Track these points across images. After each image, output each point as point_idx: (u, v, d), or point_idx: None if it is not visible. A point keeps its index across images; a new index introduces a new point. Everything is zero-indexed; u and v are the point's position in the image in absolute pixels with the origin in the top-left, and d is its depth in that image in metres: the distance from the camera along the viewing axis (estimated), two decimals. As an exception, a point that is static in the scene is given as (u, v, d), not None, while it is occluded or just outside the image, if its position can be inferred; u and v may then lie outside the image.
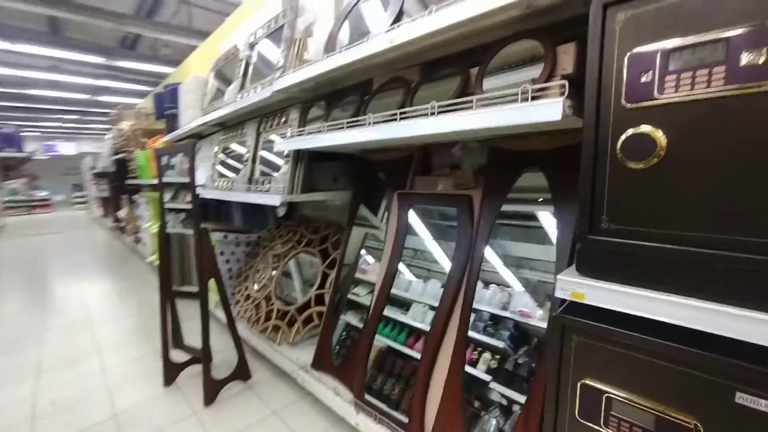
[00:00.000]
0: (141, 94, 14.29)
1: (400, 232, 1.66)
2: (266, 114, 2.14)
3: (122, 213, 6.79)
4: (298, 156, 1.81)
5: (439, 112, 1.05)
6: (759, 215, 0.59)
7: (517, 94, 0.87)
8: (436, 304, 1.47)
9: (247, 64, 2.17)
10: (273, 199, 1.76)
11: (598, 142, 0.76)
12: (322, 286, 2.17)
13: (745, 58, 0.58)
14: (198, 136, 3.25)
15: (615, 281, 0.76)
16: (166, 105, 3.25)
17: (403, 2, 1.34)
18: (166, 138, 3.45)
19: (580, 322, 0.80)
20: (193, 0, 7.91)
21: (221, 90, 2.60)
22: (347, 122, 1.36)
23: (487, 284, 1.40)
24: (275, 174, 1.88)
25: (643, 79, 0.69)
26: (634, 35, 0.70)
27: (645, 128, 0.69)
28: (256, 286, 2.60)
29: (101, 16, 6.84)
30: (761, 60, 0.57)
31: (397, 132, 1.13)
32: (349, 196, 2.08)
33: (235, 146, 2.49)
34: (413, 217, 1.66)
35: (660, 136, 0.68)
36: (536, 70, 0.97)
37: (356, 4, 1.67)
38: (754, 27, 0.57)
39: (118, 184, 6.76)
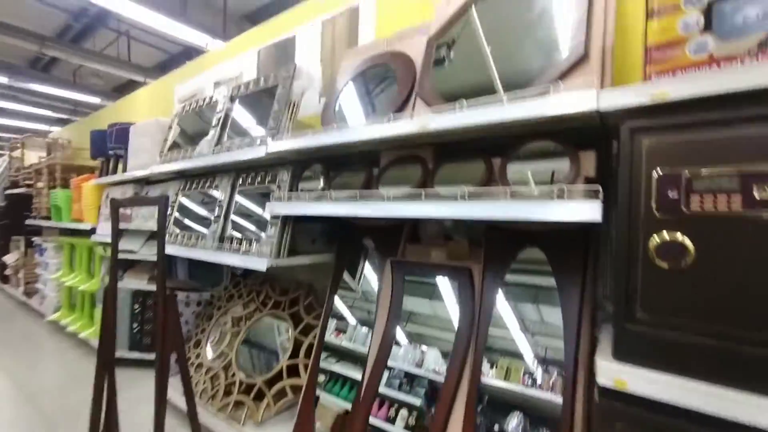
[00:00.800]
0: (46, 120, 12.67)
1: (396, 301, 1.65)
2: (245, 169, 2.04)
3: (10, 258, 5.66)
4: (287, 219, 1.74)
5: (461, 197, 1.11)
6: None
7: (552, 192, 0.97)
8: (415, 371, 1.49)
9: (226, 117, 2.09)
10: (259, 263, 1.64)
11: (631, 242, 0.87)
12: (295, 354, 2.00)
13: (757, 193, 0.74)
14: (145, 181, 2.95)
15: (652, 368, 0.84)
16: (111, 145, 2.93)
17: (413, 89, 1.46)
18: (104, 180, 3.07)
19: (627, 410, 0.86)
20: (134, 33, 7.52)
21: (186, 137, 2.45)
22: (360, 194, 1.36)
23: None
24: (262, 234, 1.77)
25: (671, 195, 0.83)
26: (659, 158, 0.84)
27: (674, 235, 0.82)
28: (210, 354, 2.30)
29: (14, 34, 6.13)
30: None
31: (422, 211, 1.17)
32: (329, 258, 2.03)
33: (196, 198, 2.31)
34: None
35: (688, 243, 0.81)
36: (551, 164, 1.11)
37: (352, 79, 1.76)
38: (761, 168, 0.74)
39: (10, 223, 5.71)
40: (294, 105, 1.81)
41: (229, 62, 2.90)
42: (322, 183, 1.62)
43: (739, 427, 0.74)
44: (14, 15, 6.85)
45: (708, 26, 0.78)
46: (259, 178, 1.93)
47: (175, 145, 2.47)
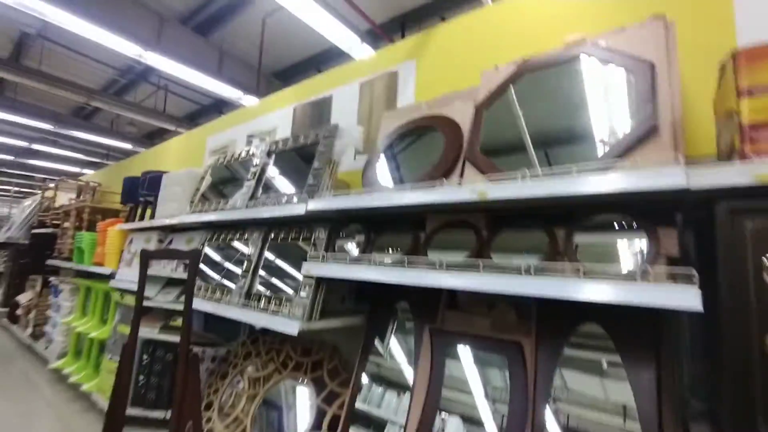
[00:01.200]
0: (79, 163, 13.29)
1: (436, 376, 1.50)
2: (278, 224, 2.01)
3: (24, 297, 5.62)
4: (321, 280, 1.66)
5: (525, 271, 1.03)
6: None
7: (635, 274, 0.88)
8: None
9: (262, 171, 2.10)
10: (289, 326, 1.54)
11: (736, 341, 0.76)
12: (317, 426, 1.82)
13: None
14: (170, 229, 2.95)
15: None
16: (143, 191, 2.97)
17: (459, 153, 1.43)
18: (131, 225, 3.08)
19: None
20: (171, 87, 8.05)
21: (218, 189, 2.46)
22: (407, 260, 1.29)
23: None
24: (290, 292, 1.68)
25: (788, 287, 0.73)
26: (765, 241, 0.76)
27: (798, 335, 0.71)
28: (221, 420, 2.12)
29: (65, 87, 6.60)
30: None
31: (478, 284, 1.08)
32: (360, 321, 1.91)
33: (223, 250, 2.26)
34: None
35: (817, 345, 0.70)
36: (621, 239, 1.04)
37: (394, 140, 1.76)
38: None
39: (30, 263, 5.74)
40: (334, 164, 1.81)
41: (263, 117, 3.01)
42: (362, 245, 1.55)
43: None
44: (64, 69, 7.45)
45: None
46: (293, 234, 1.88)
47: (206, 196, 2.48)
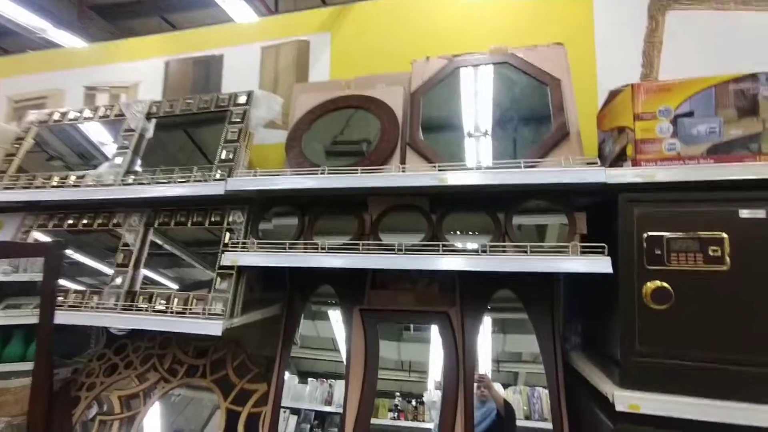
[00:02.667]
0: None
1: (372, 356, 1.55)
2: (166, 206, 1.64)
3: None
4: (242, 270, 1.47)
5: (482, 251, 1.19)
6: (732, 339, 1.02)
7: (567, 248, 1.13)
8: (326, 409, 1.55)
9: (141, 139, 1.66)
10: (211, 327, 1.32)
11: (628, 290, 1.09)
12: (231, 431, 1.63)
13: (711, 252, 1.04)
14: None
15: (657, 391, 1.04)
16: None
17: (397, 138, 1.48)
18: None
19: (638, 430, 1.04)
20: None
21: (55, 156, 1.81)
22: (363, 245, 1.28)
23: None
24: (207, 292, 1.43)
25: (657, 252, 1.08)
26: (646, 223, 1.10)
27: (662, 283, 1.07)
28: (87, 458, 1.64)
29: None
30: (720, 253, 1.04)
31: (439, 265, 1.18)
32: (278, 310, 1.78)
33: (73, 241, 1.70)
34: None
35: (671, 289, 1.06)
36: (543, 220, 1.31)
37: (319, 116, 1.67)
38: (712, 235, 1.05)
39: None
40: (249, 137, 1.58)
41: (112, 66, 2.32)
42: (297, 229, 1.44)
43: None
44: None
45: (675, 133, 1.08)
46: (196, 218, 1.57)
47: (21, 166, 1.78)
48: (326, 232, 1.49)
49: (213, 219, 1.56)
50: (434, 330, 1.60)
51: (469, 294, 1.57)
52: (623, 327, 1.09)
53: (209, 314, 1.37)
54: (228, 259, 1.35)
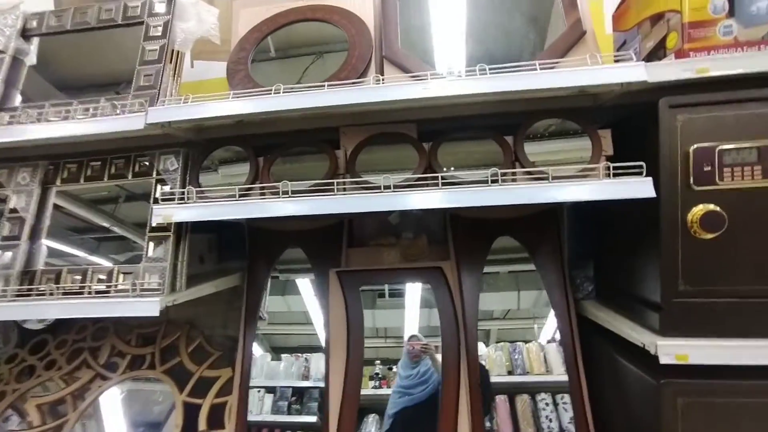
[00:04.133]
0: None
1: (355, 323, 1.30)
2: (71, 157, 1.24)
3: None
4: (182, 230, 1.14)
5: (493, 181, 0.93)
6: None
7: (597, 171, 0.90)
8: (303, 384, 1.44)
9: (16, 63, 1.22)
10: (146, 307, 1.00)
11: (670, 217, 0.88)
12: (191, 427, 1.35)
13: (772, 162, 0.85)
14: None
15: (706, 336, 0.87)
16: None
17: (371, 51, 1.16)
18: None
19: (688, 384, 0.86)
20: None
21: None
22: (337, 184, 0.98)
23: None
24: (137, 264, 1.09)
25: (706, 169, 0.87)
26: (693, 133, 0.88)
27: (712, 206, 0.86)
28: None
29: None
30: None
31: (435, 200, 0.92)
32: (239, 280, 1.47)
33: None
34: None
35: (723, 213, 0.86)
36: (555, 146, 1.07)
37: (268, 33, 1.31)
38: (772, 143, 0.85)
39: None
40: (179, 57, 1.20)
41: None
42: (250, 175, 1.11)
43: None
44: None
45: (731, 12, 0.85)
46: (114, 170, 1.20)
47: None
48: (287, 178, 1.18)
49: (138, 169, 1.19)
50: (410, 293, 1.42)
51: (465, 245, 1.34)
52: (664, 263, 0.89)
53: (141, 290, 1.04)
54: (160, 215, 1.01)
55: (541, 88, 0.89)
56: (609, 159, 0.99)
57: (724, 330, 0.87)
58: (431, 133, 1.12)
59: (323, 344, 1.34)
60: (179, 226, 1.09)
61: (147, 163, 1.19)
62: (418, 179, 0.98)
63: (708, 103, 0.87)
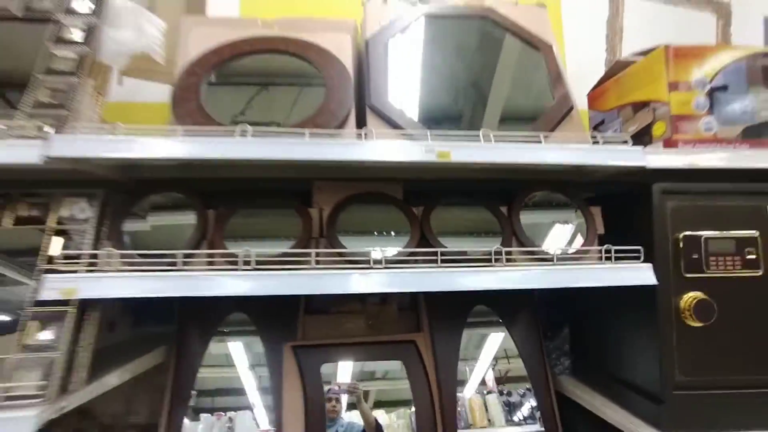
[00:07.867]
0: None
1: (314, 408, 1.07)
2: None
3: None
4: (89, 307, 0.84)
5: (496, 259, 0.84)
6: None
7: (597, 255, 0.86)
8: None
9: None
10: (11, 427, 0.68)
11: (665, 305, 0.87)
12: None
13: (747, 254, 0.88)
14: None
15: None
16: None
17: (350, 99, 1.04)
18: None
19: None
20: None
21: None
22: (316, 256, 0.80)
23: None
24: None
25: (694, 256, 0.88)
26: (681, 219, 0.88)
27: (701, 295, 0.86)
28: None
29: None
30: (755, 255, 0.88)
31: (439, 284, 0.79)
32: (161, 357, 1.15)
33: None
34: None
35: (712, 302, 0.86)
36: (544, 217, 1.03)
37: (228, 60, 1.12)
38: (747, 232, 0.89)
39: None
40: (103, 72, 0.94)
41: None
42: (197, 230, 0.87)
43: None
44: None
45: (711, 109, 0.90)
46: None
47: None
48: (242, 234, 0.96)
49: (27, 213, 0.87)
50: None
51: (440, 314, 1.22)
52: (661, 353, 0.86)
53: (9, 398, 0.71)
54: (53, 288, 0.71)
55: (547, 163, 0.83)
56: (601, 238, 0.96)
57: (724, 424, 0.84)
58: (416, 194, 1.01)
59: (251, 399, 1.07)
60: (85, 302, 0.79)
61: (41, 207, 0.87)
62: (411, 254, 0.84)
63: (694, 192, 0.89)
